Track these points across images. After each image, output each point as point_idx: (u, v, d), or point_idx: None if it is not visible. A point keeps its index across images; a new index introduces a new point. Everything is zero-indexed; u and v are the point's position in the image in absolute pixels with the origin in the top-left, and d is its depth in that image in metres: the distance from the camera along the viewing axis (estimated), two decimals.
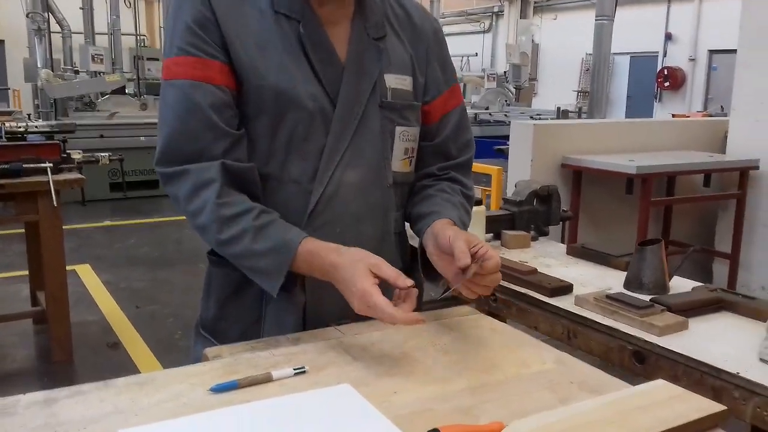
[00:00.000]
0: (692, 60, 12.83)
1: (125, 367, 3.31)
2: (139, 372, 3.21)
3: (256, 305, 1.19)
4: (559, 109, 8.09)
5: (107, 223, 6.50)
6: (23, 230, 4.15)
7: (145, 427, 0.83)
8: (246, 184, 1.13)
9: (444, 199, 1.28)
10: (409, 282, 1.01)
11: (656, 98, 13.56)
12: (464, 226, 1.24)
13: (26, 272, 4.02)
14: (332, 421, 0.85)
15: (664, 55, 13.27)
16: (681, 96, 13.12)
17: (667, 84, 13.13)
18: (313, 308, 1.18)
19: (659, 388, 0.90)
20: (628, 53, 13.89)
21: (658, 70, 13.26)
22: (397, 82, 1.23)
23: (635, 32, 13.18)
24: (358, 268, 1.01)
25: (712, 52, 12.58)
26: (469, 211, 1.32)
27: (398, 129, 1.24)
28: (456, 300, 2.15)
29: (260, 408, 0.88)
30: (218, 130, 1.11)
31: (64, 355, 3.20)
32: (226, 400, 0.90)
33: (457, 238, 1.07)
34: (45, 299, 3.22)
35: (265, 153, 1.15)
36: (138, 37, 12.37)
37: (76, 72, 9.21)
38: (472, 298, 1.13)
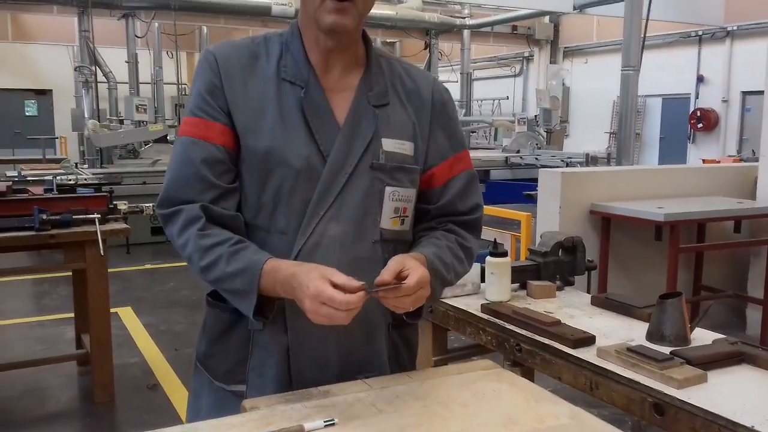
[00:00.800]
0: (725, 101, 12.77)
1: (164, 408, 3.41)
2: (176, 413, 3.31)
3: (243, 346, 1.30)
4: (587, 155, 8.13)
5: (148, 266, 6.71)
6: (69, 273, 4.34)
7: None
8: (228, 229, 1.26)
9: (428, 241, 1.35)
10: (360, 283, 1.12)
11: (690, 140, 13.48)
12: (444, 264, 1.30)
13: (71, 315, 4.19)
14: None
15: (697, 96, 13.24)
16: (715, 137, 13.04)
17: (700, 125, 13.06)
18: (296, 350, 1.27)
19: None
20: (660, 95, 13.90)
21: (690, 111, 13.23)
22: (395, 146, 1.32)
23: (667, 74, 13.19)
24: (312, 274, 1.12)
25: (744, 93, 12.52)
26: (459, 256, 1.35)
27: (388, 189, 1.31)
28: (477, 349, 2.21)
29: None
30: (207, 183, 1.25)
31: (107, 396, 3.32)
32: None
33: (394, 259, 1.18)
34: (89, 342, 3.36)
35: (255, 205, 1.28)
36: (179, 86, 12.83)
37: (121, 121, 9.59)
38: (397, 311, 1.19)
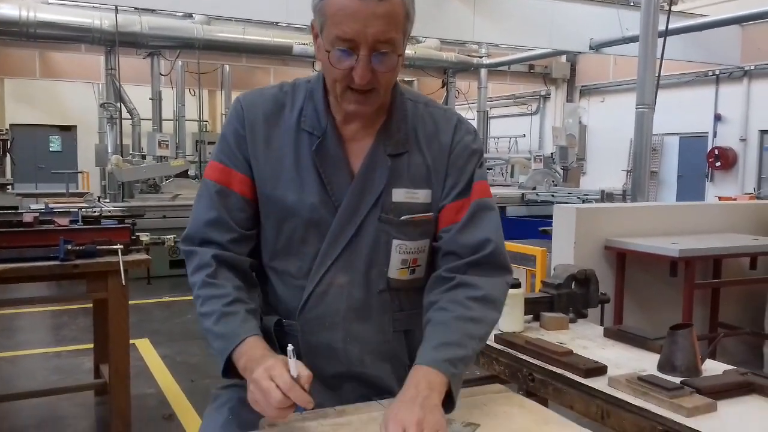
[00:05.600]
0: (743, 140, 12.77)
1: None
2: None
3: None
4: (603, 192, 8.16)
5: (166, 298, 6.78)
6: (87, 305, 4.41)
7: None
8: (236, 270, 1.33)
9: (435, 327, 1.27)
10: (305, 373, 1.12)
11: (708, 178, 13.45)
12: (458, 345, 1.23)
13: (89, 345, 4.24)
14: None
15: (714, 135, 13.25)
16: (733, 176, 13.00)
17: (718, 164, 13.05)
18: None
19: None
20: (677, 134, 13.93)
21: (708, 150, 13.23)
22: (406, 196, 1.32)
23: (684, 113, 13.24)
24: (259, 369, 1.13)
25: (763, 132, 12.51)
26: (473, 316, 1.27)
27: (395, 242, 1.33)
28: (490, 380, 2.23)
29: None
30: (226, 227, 1.33)
31: (124, 426, 3.34)
32: None
33: (389, 419, 1.10)
34: (108, 372, 3.40)
35: (272, 249, 1.37)
36: (201, 123, 13.09)
37: (143, 157, 9.78)
38: None
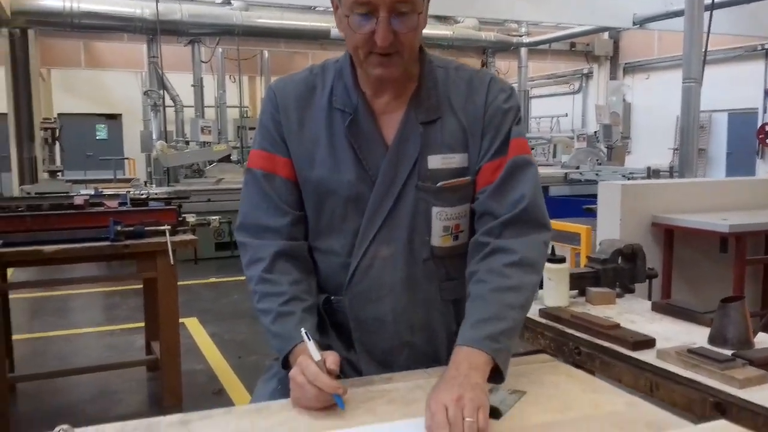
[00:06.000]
0: None
1: None
2: None
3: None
4: (649, 168, 7.98)
5: (213, 279, 6.93)
6: (138, 285, 4.54)
7: None
8: (295, 258, 1.35)
9: (473, 303, 1.26)
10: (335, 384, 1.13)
11: (758, 155, 13.04)
12: (497, 319, 1.21)
13: (140, 324, 4.37)
14: None
15: (765, 111, 12.81)
16: None
17: None
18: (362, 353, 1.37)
19: (722, 427, 0.96)
20: (726, 110, 13.51)
21: (758, 126, 12.80)
22: (443, 162, 1.32)
23: (733, 89, 12.83)
24: (295, 368, 1.17)
25: None
26: (512, 287, 1.25)
27: (435, 209, 1.33)
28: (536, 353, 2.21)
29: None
30: (280, 210, 1.35)
31: (175, 400, 3.44)
32: (329, 425, 1.05)
33: (430, 400, 1.09)
34: (159, 348, 3.50)
35: (314, 230, 1.38)
36: (241, 109, 13.22)
37: (187, 143, 9.96)
38: None
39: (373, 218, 1.32)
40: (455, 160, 1.33)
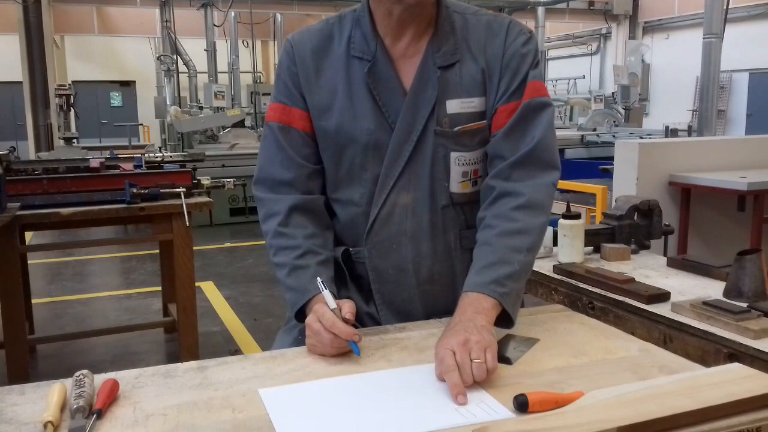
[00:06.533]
0: None
1: None
2: None
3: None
4: (667, 127, 7.85)
5: (228, 244, 6.98)
6: (154, 251, 4.58)
7: (280, 387, 1.00)
8: (311, 212, 1.36)
9: (479, 249, 1.27)
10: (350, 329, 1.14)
11: None
12: (503, 263, 1.21)
13: (157, 288, 4.42)
14: (433, 390, 0.99)
15: None
16: None
17: None
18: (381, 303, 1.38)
19: (735, 369, 0.96)
20: (746, 70, 13.25)
21: None
22: (461, 106, 1.31)
23: (754, 48, 12.56)
24: (311, 316, 1.18)
25: None
26: (518, 230, 1.25)
27: (453, 155, 1.32)
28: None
29: (371, 378, 1.04)
30: (295, 163, 1.35)
31: (192, 360, 3.50)
32: (344, 370, 1.06)
33: (438, 345, 1.09)
34: (176, 310, 3.55)
35: (333, 181, 1.38)
36: (255, 74, 13.16)
37: (201, 108, 9.94)
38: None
39: (393, 165, 1.31)
40: (473, 104, 1.32)
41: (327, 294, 1.16)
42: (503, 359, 1.08)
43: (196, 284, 3.60)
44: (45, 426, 0.86)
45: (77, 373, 0.99)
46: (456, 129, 1.31)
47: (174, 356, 3.76)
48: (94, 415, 0.90)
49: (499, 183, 1.29)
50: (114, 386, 0.98)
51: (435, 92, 1.30)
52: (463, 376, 0.99)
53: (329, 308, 1.15)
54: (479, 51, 1.33)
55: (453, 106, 1.31)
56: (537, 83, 1.34)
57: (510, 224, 1.25)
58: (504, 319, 1.18)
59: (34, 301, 4.09)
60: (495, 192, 1.29)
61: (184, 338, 3.46)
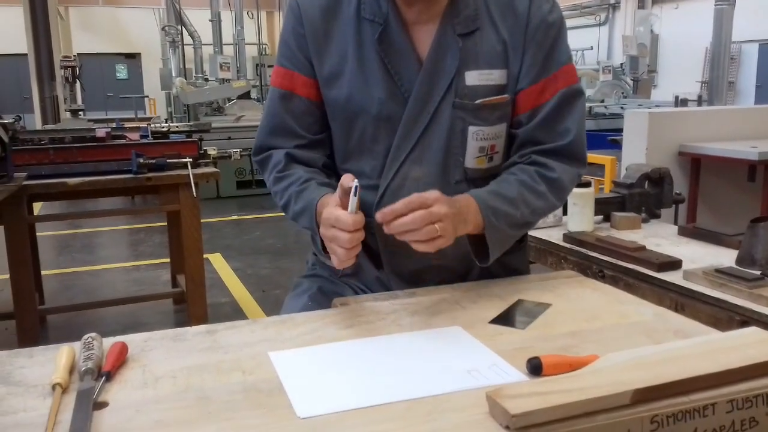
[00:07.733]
0: None
1: None
2: None
3: None
4: (677, 98, 7.76)
5: (235, 217, 6.99)
6: (162, 223, 4.58)
7: (290, 351, 0.99)
8: (310, 166, 1.31)
9: (497, 181, 1.26)
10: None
11: None
12: (503, 200, 1.20)
13: (165, 260, 4.43)
14: (445, 353, 0.98)
15: None
16: None
17: None
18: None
19: (751, 333, 0.95)
20: (756, 41, 13.05)
21: None
22: (480, 78, 1.24)
23: (764, 19, 12.36)
24: (329, 207, 1.11)
25: None
26: (536, 189, 1.24)
27: (471, 128, 1.25)
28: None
29: (382, 341, 1.03)
30: (293, 133, 1.31)
31: None
32: (354, 334, 1.05)
33: (414, 195, 1.09)
34: (185, 281, 3.55)
35: (343, 152, 1.32)
36: (260, 46, 13.05)
37: (206, 80, 9.88)
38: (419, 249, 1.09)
39: (407, 138, 1.25)
40: (494, 76, 1.25)
41: (354, 201, 1.08)
42: (508, 322, 1.08)
43: (205, 256, 3.60)
44: (53, 388, 0.86)
45: (86, 336, 0.99)
46: (477, 102, 1.24)
47: (183, 327, 3.78)
48: (103, 377, 0.89)
49: (534, 158, 1.28)
50: (123, 349, 0.97)
51: (455, 62, 1.23)
52: (408, 218, 1.03)
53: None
54: (500, 18, 1.25)
55: (472, 77, 1.24)
56: (569, 67, 1.29)
57: (533, 182, 1.24)
58: (482, 254, 1.19)
59: (43, 272, 4.11)
60: (528, 159, 1.28)
61: (193, 309, 3.48)
